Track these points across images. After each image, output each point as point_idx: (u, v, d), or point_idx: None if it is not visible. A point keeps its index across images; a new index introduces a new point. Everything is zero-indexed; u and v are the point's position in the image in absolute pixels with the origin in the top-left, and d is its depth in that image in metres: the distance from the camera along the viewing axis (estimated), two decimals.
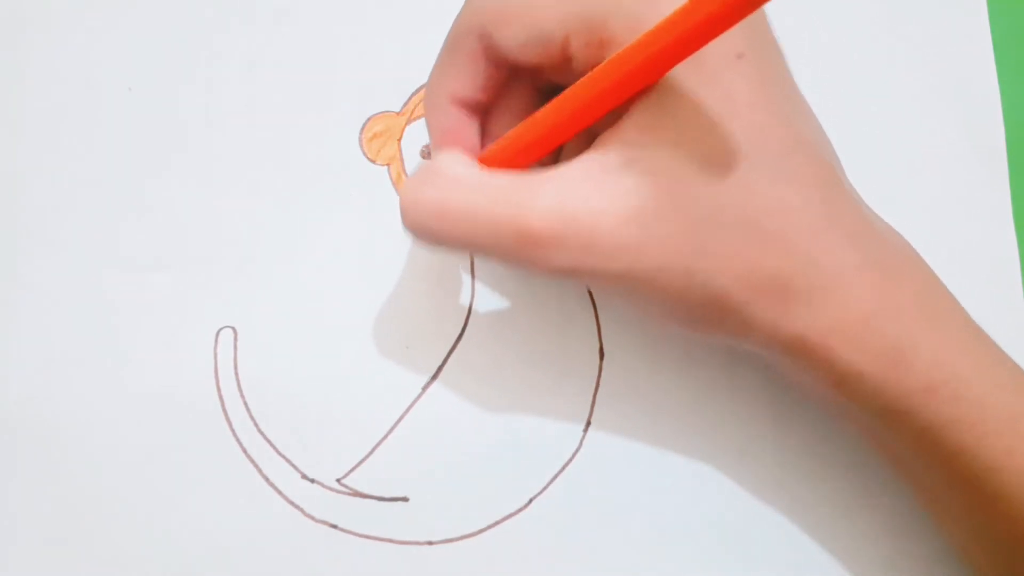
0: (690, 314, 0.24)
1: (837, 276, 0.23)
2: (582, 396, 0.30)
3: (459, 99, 0.26)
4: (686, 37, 0.20)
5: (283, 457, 0.29)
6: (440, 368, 0.30)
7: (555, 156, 0.28)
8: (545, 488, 0.29)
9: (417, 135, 0.31)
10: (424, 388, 0.30)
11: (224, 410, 0.29)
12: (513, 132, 0.25)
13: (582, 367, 0.30)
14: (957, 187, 0.31)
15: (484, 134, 0.27)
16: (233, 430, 0.29)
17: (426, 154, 0.31)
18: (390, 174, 0.31)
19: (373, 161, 0.31)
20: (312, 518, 0.29)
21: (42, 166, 0.31)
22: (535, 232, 0.22)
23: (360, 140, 0.31)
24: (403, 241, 0.31)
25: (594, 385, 0.30)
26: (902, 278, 0.24)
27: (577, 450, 0.29)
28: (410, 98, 0.32)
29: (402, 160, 0.31)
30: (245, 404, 0.29)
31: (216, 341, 0.30)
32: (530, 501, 0.29)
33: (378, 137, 0.31)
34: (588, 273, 0.23)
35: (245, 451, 0.29)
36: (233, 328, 0.30)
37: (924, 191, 0.31)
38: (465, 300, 0.30)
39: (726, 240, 0.22)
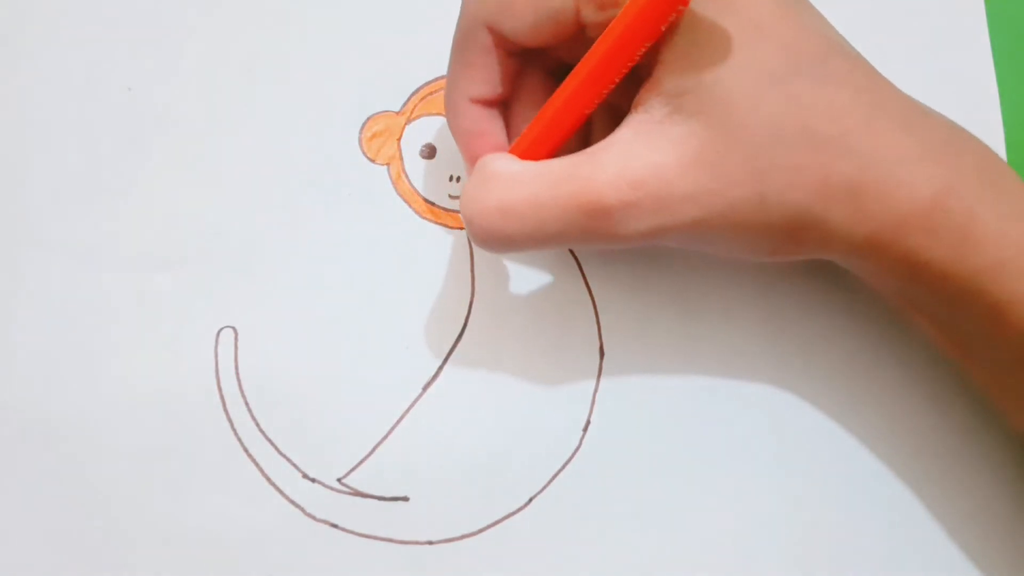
0: (771, 241, 0.24)
1: (900, 165, 0.23)
2: (582, 395, 0.30)
3: (478, 99, 0.26)
4: None
5: (284, 457, 0.29)
6: (440, 368, 0.30)
7: (585, 138, 0.28)
8: (545, 487, 0.29)
9: (416, 134, 0.31)
10: (424, 388, 0.30)
11: (225, 410, 0.29)
12: (538, 119, 0.25)
13: (582, 366, 0.30)
14: None
15: (508, 129, 0.27)
16: (234, 430, 0.29)
17: (426, 154, 0.31)
18: (390, 174, 0.31)
19: (373, 161, 0.31)
20: (313, 517, 0.29)
21: (42, 166, 0.31)
22: (606, 204, 0.22)
23: (360, 140, 0.31)
24: (403, 241, 0.31)
25: (594, 384, 0.30)
26: (961, 156, 0.24)
27: (577, 449, 0.30)
28: (409, 98, 0.32)
29: (402, 159, 0.31)
30: (246, 404, 0.29)
31: (217, 341, 0.30)
32: (530, 500, 0.29)
33: (378, 137, 0.31)
34: (664, 231, 0.23)
35: (246, 450, 0.29)
36: (233, 328, 0.30)
37: None
38: (465, 300, 0.30)
39: (789, 155, 0.22)
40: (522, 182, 0.23)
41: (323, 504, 0.29)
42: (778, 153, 0.22)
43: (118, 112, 0.31)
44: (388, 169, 0.31)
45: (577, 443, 0.30)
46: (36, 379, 0.30)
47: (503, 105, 0.27)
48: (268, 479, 0.29)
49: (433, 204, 0.31)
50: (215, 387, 0.30)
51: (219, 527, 0.29)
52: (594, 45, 0.23)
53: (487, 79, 0.26)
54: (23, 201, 0.31)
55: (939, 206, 0.23)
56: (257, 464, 0.29)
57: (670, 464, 0.29)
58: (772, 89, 0.22)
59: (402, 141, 0.31)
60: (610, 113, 0.27)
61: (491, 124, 0.26)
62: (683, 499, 0.29)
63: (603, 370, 0.30)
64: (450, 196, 0.31)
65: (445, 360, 0.30)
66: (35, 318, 0.30)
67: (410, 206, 0.31)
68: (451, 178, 0.31)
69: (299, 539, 0.29)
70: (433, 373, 0.30)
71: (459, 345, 0.30)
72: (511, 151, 0.26)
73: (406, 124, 0.31)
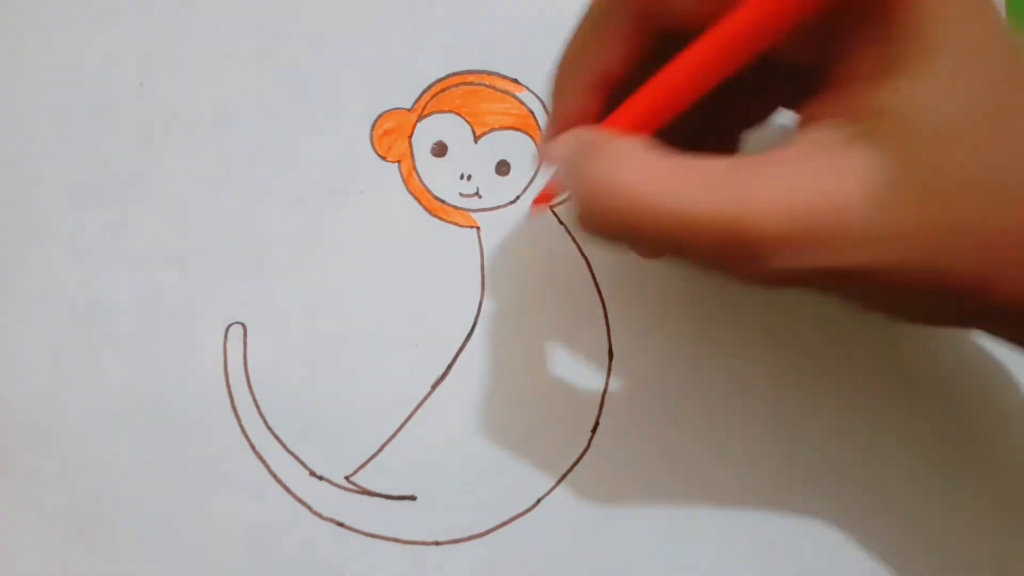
0: (944, 310, 0.20)
1: None
2: (590, 397, 0.30)
3: (598, 75, 0.23)
4: None
5: (291, 454, 0.29)
6: (449, 367, 0.30)
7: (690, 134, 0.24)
8: (553, 488, 0.29)
9: (428, 132, 0.31)
10: (433, 387, 0.30)
11: (233, 406, 0.29)
12: (648, 89, 0.22)
13: (591, 367, 0.30)
14: None
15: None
16: (242, 426, 0.29)
17: (437, 151, 0.31)
18: (400, 171, 0.31)
19: (384, 158, 0.31)
20: (319, 515, 0.29)
21: (53, 161, 0.31)
22: (759, 228, 0.18)
23: (371, 137, 0.31)
24: (413, 239, 0.30)
25: (603, 386, 0.30)
26: None
27: (585, 451, 0.29)
28: (421, 95, 0.31)
29: (412, 157, 0.31)
30: (254, 400, 0.29)
31: (226, 337, 0.30)
32: (537, 502, 0.29)
33: (389, 134, 0.31)
34: (815, 275, 0.19)
35: (253, 447, 0.29)
36: (243, 324, 0.30)
37: None
38: (474, 299, 0.30)
39: (1001, 215, 0.18)
40: (662, 174, 0.19)
41: (330, 502, 0.29)
42: (989, 210, 0.18)
43: (129, 107, 0.31)
44: (399, 166, 0.31)
45: (585, 444, 0.29)
46: (43, 375, 0.30)
47: (616, 91, 0.23)
48: (275, 476, 0.29)
49: (444, 202, 0.31)
50: (223, 383, 0.30)
51: (225, 524, 0.29)
52: (732, 13, 0.20)
53: (614, 59, 0.22)
54: (33, 197, 0.31)
55: None
56: (264, 461, 0.29)
57: (678, 467, 0.29)
58: (996, 131, 0.18)
59: (413, 138, 0.31)
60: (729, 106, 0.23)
61: (597, 106, 0.23)
62: (690, 502, 0.29)
63: (612, 371, 0.30)
64: (461, 194, 0.31)
65: (454, 359, 0.30)
66: (43, 314, 0.30)
67: (420, 204, 0.31)
68: (462, 176, 0.31)
69: (305, 537, 0.29)
70: (442, 372, 0.30)
71: (468, 344, 0.30)
72: (605, 125, 0.22)
73: (417, 121, 0.31)
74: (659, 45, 0.22)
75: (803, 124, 0.20)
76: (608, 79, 0.23)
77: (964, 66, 0.18)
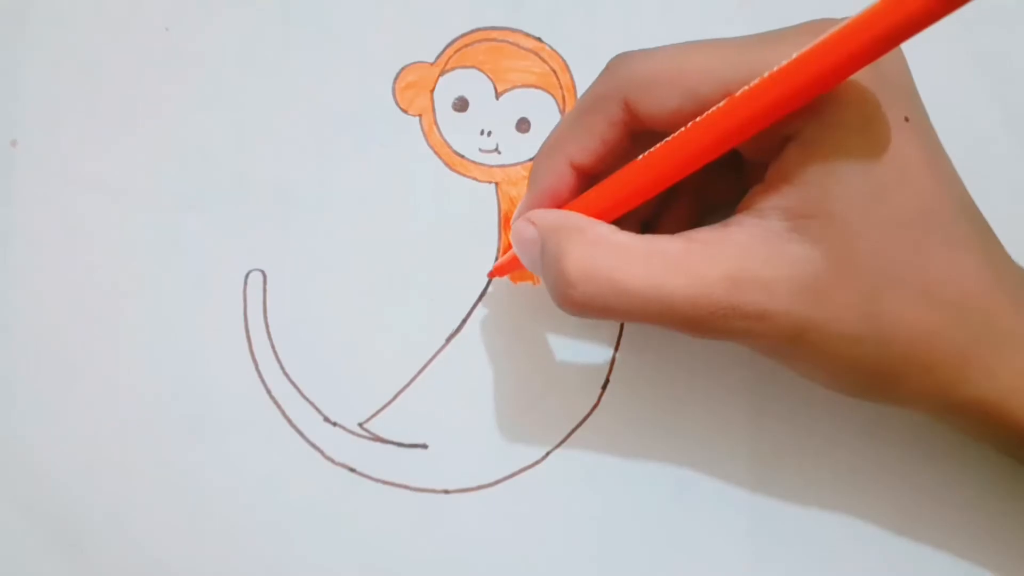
0: (861, 381, 0.24)
1: (1012, 339, 0.23)
2: (602, 354, 0.30)
3: (578, 165, 0.25)
4: (806, 78, 0.20)
5: (307, 400, 0.30)
6: (464, 320, 0.30)
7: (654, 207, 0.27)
8: (562, 442, 0.30)
9: (450, 87, 0.31)
10: (448, 339, 0.30)
11: (251, 351, 0.30)
12: (619, 180, 0.24)
13: (603, 325, 0.30)
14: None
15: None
16: (259, 371, 0.30)
17: (458, 106, 0.31)
18: (421, 125, 0.31)
19: (405, 111, 0.31)
20: (332, 460, 0.30)
21: (76, 105, 0.31)
22: (714, 302, 0.22)
23: (393, 89, 0.31)
24: (432, 192, 0.31)
25: (614, 343, 0.30)
26: None
27: (595, 406, 0.30)
28: (444, 49, 0.31)
29: (434, 111, 0.31)
30: (272, 346, 0.30)
31: (245, 283, 0.30)
32: (547, 454, 0.30)
33: (411, 87, 0.31)
34: (758, 337, 0.23)
35: (269, 392, 0.30)
36: (262, 271, 0.30)
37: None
38: (491, 254, 0.30)
39: (902, 308, 0.22)
40: (636, 259, 0.22)
41: (342, 448, 0.30)
42: (892, 304, 0.22)
43: (154, 52, 0.31)
44: (420, 120, 0.31)
45: (595, 400, 0.30)
46: (61, 314, 0.30)
47: (592, 177, 0.26)
48: (290, 421, 0.30)
49: (463, 157, 0.31)
50: (242, 329, 0.30)
51: (239, 466, 0.29)
52: (705, 117, 0.22)
53: (597, 150, 0.25)
54: (55, 138, 0.31)
55: None
56: (280, 406, 0.30)
57: (685, 423, 0.30)
58: (900, 238, 0.22)
59: (435, 93, 0.31)
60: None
61: (573, 190, 0.26)
62: (698, 458, 0.30)
63: (624, 330, 0.30)
64: (480, 150, 0.31)
65: (469, 312, 0.30)
66: (64, 253, 0.30)
67: (440, 158, 0.31)
68: (482, 132, 0.31)
69: (316, 482, 0.29)
70: (457, 325, 0.30)
71: (484, 299, 0.30)
72: (571, 206, 0.25)
73: (440, 76, 0.31)
74: (633, 141, 0.25)
75: (744, 210, 0.23)
76: (583, 168, 0.25)
77: (895, 182, 0.22)
